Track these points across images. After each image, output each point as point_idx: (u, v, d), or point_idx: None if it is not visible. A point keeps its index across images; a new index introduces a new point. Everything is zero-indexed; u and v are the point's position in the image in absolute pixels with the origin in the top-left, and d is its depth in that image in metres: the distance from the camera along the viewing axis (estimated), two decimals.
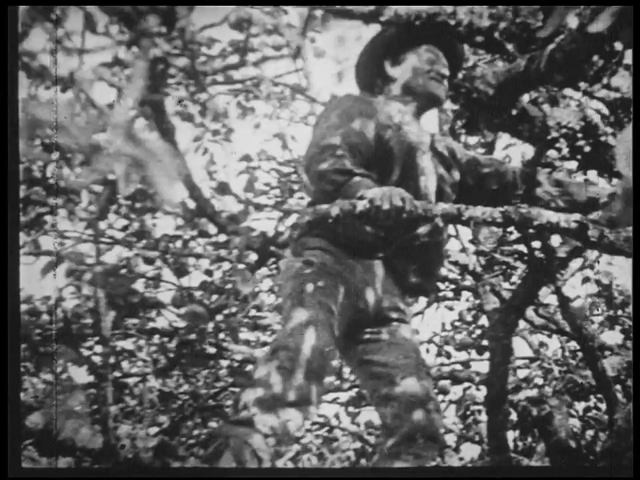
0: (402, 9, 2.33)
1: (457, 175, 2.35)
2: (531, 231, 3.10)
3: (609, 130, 2.50)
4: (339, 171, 2.07)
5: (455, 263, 4.20)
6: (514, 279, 4.20)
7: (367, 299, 2.15)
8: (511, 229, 3.79)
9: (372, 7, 2.33)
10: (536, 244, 3.38)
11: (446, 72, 2.32)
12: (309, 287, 2.07)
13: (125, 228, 3.66)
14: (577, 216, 1.94)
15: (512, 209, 1.92)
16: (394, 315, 2.20)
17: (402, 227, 2.13)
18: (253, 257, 3.90)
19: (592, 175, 2.74)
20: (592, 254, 4.26)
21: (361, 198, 1.94)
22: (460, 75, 2.41)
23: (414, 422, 2.05)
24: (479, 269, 4.07)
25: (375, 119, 2.21)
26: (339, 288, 2.10)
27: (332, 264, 2.13)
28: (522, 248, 3.88)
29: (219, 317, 3.73)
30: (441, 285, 4.44)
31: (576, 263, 4.26)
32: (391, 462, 2.03)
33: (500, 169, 2.37)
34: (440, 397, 4.97)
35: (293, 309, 2.05)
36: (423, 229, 2.19)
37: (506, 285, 4.15)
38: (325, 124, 2.19)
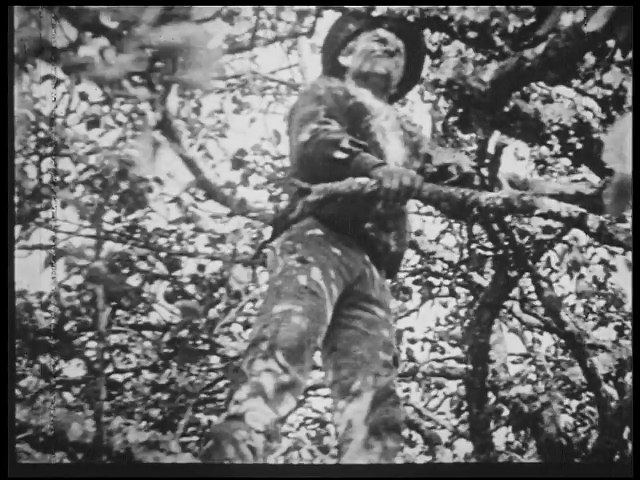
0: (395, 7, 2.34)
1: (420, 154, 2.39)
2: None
3: (601, 128, 2.51)
4: (333, 144, 2.06)
5: (446, 258, 4.21)
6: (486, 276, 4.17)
7: (346, 278, 2.16)
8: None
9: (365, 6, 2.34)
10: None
11: (392, 48, 2.34)
12: (293, 279, 2.08)
13: (117, 220, 3.65)
14: (578, 206, 1.95)
15: (514, 197, 1.90)
16: (370, 305, 2.20)
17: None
18: (248, 251, 3.89)
19: (584, 171, 2.75)
20: (585, 255, 4.25)
21: (370, 177, 1.95)
22: (445, 74, 2.42)
23: (376, 416, 2.06)
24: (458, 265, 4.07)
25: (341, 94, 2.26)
26: (320, 271, 2.10)
27: (316, 246, 2.14)
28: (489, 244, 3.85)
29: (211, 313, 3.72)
30: (435, 282, 4.45)
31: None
32: (359, 456, 2.04)
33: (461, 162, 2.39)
34: (435, 392, 4.99)
35: (276, 300, 2.05)
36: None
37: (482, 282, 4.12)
38: (302, 104, 2.23)
